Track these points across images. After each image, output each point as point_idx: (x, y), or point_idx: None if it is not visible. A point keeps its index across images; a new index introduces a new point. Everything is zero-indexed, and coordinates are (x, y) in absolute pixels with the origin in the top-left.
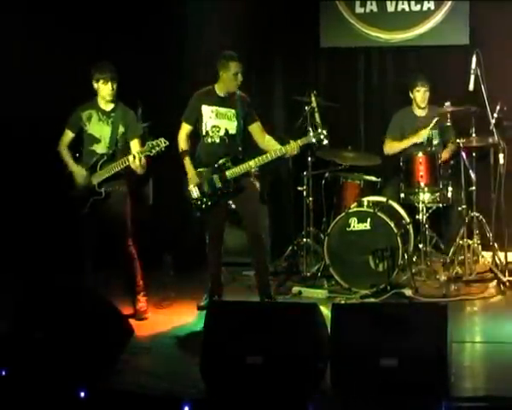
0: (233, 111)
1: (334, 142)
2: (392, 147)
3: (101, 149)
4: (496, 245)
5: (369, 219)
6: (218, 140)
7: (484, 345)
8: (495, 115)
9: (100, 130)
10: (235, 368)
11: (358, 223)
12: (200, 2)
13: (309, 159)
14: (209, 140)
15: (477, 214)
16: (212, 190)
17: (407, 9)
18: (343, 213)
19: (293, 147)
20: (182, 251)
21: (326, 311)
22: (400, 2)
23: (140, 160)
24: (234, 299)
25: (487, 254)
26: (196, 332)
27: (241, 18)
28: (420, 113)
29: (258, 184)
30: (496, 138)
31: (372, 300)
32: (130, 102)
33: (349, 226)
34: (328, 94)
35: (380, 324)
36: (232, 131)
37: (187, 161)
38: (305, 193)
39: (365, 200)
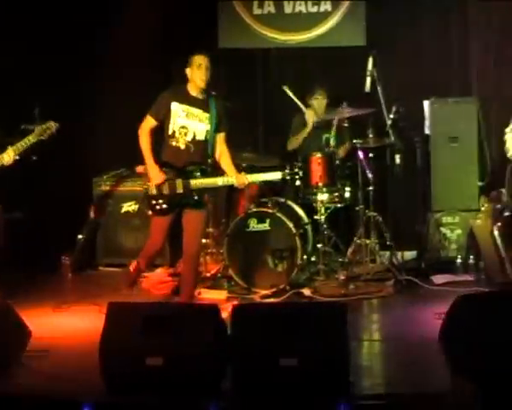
0: (206, 114)
1: (233, 143)
2: (290, 143)
3: None
4: (393, 244)
5: (268, 220)
6: (182, 146)
7: (382, 343)
8: (391, 116)
9: None
10: (135, 370)
11: (258, 223)
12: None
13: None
14: (173, 143)
15: (374, 214)
16: (171, 194)
17: (304, 11)
18: (242, 214)
19: (244, 180)
20: (79, 254)
21: (226, 311)
22: (298, 4)
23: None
24: (133, 300)
25: (385, 254)
26: (96, 334)
27: (140, 18)
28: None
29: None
30: (392, 139)
31: (272, 300)
32: (30, 102)
33: (248, 227)
34: (227, 95)
35: (279, 324)
36: (200, 136)
37: (150, 159)
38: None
39: (264, 200)
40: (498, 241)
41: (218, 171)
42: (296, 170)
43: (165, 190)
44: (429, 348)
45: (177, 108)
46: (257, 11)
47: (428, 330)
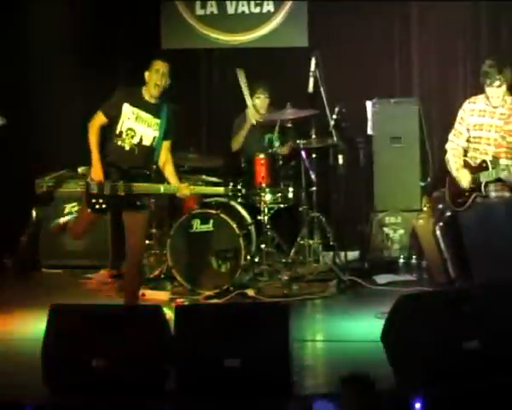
0: (156, 120)
1: (176, 144)
2: (233, 143)
3: None
4: (336, 245)
5: (211, 221)
6: (127, 147)
7: (325, 343)
8: (334, 117)
9: None
10: (79, 372)
11: (201, 224)
12: (40, 4)
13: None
14: (119, 143)
15: (317, 214)
16: (112, 196)
17: (247, 11)
18: (186, 215)
19: (187, 191)
20: (22, 255)
21: (170, 313)
22: (240, 4)
23: None
24: (76, 302)
25: (328, 254)
26: (39, 336)
27: (83, 19)
28: (259, 117)
29: (152, 207)
30: (335, 139)
31: (215, 301)
32: None
33: (192, 228)
34: (170, 96)
35: (223, 324)
36: (146, 141)
37: (96, 154)
38: None
39: (208, 201)
40: (440, 241)
41: (161, 177)
42: (239, 187)
43: (107, 191)
44: (372, 347)
45: (128, 109)
46: (199, 12)
47: (370, 330)
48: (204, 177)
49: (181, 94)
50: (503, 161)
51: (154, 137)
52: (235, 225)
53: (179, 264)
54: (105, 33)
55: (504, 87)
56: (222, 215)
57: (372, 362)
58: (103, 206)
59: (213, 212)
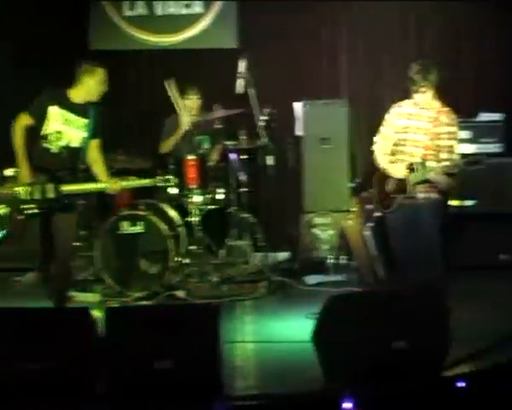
0: (84, 121)
1: (105, 145)
2: (163, 146)
3: None
4: (266, 246)
5: (140, 222)
6: (55, 149)
7: (255, 344)
8: (263, 118)
9: None
10: (8, 375)
11: (130, 226)
12: None
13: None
14: (46, 145)
15: (247, 216)
16: (42, 199)
17: (176, 13)
18: (115, 216)
19: (117, 186)
20: None
21: (99, 315)
22: (169, 6)
23: None
24: (3, 305)
25: (257, 255)
26: None
27: (13, 19)
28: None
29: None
30: (264, 141)
31: (145, 302)
32: None
33: (121, 229)
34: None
35: (153, 326)
36: (75, 143)
37: (22, 157)
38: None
39: (137, 203)
40: (369, 241)
41: (90, 176)
42: (168, 177)
43: (36, 195)
44: (302, 348)
45: (55, 111)
46: (128, 13)
47: (300, 331)
48: (131, 178)
49: (109, 95)
50: (430, 163)
51: (83, 138)
52: (164, 227)
53: (108, 266)
54: (34, 34)
55: (430, 93)
56: (151, 217)
57: (302, 363)
58: (35, 210)
59: (142, 213)
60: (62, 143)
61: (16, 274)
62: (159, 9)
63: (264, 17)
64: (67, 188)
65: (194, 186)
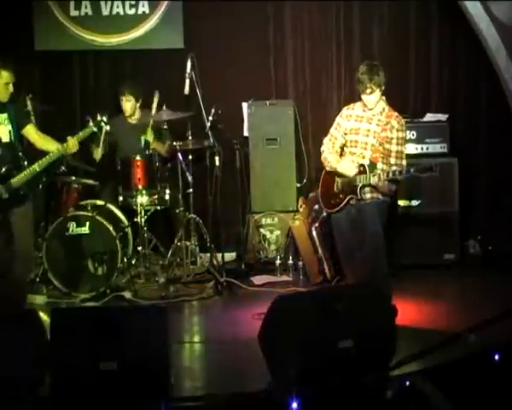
0: (3, 115)
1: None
2: (95, 153)
3: None
4: (213, 246)
5: (87, 223)
6: None
7: (203, 344)
8: (210, 118)
9: None
10: None
11: (77, 227)
12: None
13: (20, 155)
14: None
15: (194, 216)
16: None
17: (122, 13)
18: (61, 218)
19: (71, 144)
20: None
21: (45, 317)
22: (115, 6)
23: None
24: None
25: (205, 256)
26: None
27: None
28: (132, 120)
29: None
30: (211, 141)
31: (92, 303)
32: None
33: (68, 230)
34: (44, 97)
35: (99, 327)
36: (5, 138)
37: None
38: None
39: (83, 203)
40: (316, 241)
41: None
42: (99, 118)
43: None
44: (249, 348)
45: None
46: (74, 13)
47: (248, 331)
48: (75, 178)
49: (55, 96)
50: (379, 166)
51: (9, 131)
52: (111, 228)
53: (55, 267)
54: None
55: (377, 94)
56: (98, 217)
57: (250, 362)
58: None
59: (89, 214)
60: None
61: None
62: (105, 9)
63: (211, 17)
64: (16, 180)
65: (141, 187)
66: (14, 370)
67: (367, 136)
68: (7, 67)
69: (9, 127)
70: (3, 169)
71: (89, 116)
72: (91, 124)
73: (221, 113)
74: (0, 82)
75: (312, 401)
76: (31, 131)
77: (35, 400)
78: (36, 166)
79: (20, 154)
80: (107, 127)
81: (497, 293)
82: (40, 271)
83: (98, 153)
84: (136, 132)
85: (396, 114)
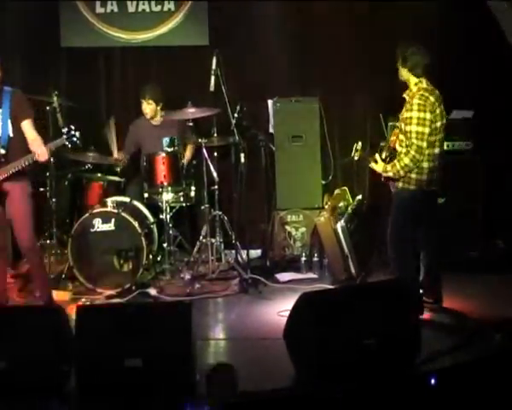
0: None
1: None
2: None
3: None
4: (238, 243)
5: (113, 220)
6: None
7: (227, 342)
8: (236, 115)
9: None
10: None
11: (102, 223)
12: None
13: (51, 159)
14: None
15: (219, 213)
16: None
17: (148, 10)
18: (87, 214)
19: (41, 153)
20: None
21: (71, 312)
22: (141, 3)
23: None
24: None
25: (230, 253)
26: None
27: None
28: (155, 122)
29: (29, 189)
30: (237, 138)
31: (117, 300)
32: None
33: (93, 227)
34: (70, 94)
35: (124, 324)
36: None
37: None
38: (48, 194)
39: (109, 200)
40: (341, 238)
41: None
42: (72, 132)
43: None
44: (274, 345)
45: None
46: (100, 10)
47: (273, 328)
48: (100, 175)
49: (81, 93)
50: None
51: (1, 126)
52: (136, 224)
53: (81, 263)
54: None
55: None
56: (123, 214)
57: (274, 359)
58: None
59: (115, 211)
60: None
61: None
62: (131, 7)
63: (236, 14)
64: None
65: (166, 183)
66: (40, 366)
67: None
68: None
69: (0, 121)
70: None
71: (67, 127)
72: (64, 136)
73: (246, 110)
74: None
75: (337, 399)
76: (28, 128)
77: (61, 396)
78: (9, 167)
79: (2, 151)
80: (78, 142)
81: None
82: (66, 267)
83: (116, 153)
84: (160, 134)
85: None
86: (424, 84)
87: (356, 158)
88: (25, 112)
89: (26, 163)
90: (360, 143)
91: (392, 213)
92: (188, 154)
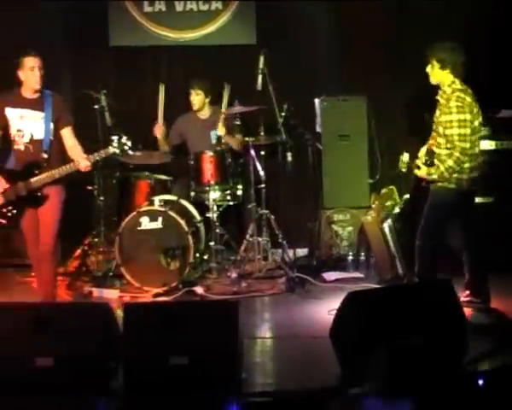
0: (41, 114)
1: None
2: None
3: None
4: (284, 242)
5: (160, 218)
6: (22, 147)
7: (274, 340)
8: (282, 114)
9: None
10: (23, 371)
11: (150, 222)
12: None
13: (44, 156)
14: (15, 146)
15: (266, 212)
16: (17, 199)
17: (195, 9)
18: (134, 213)
19: (83, 165)
20: None
21: (118, 310)
22: (189, 2)
23: None
24: (21, 300)
25: (276, 251)
26: None
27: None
28: (202, 115)
29: (63, 194)
30: (283, 137)
31: (164, 298)
32: None
33: (140, 225)
34: (118, 93)
35: (171, 322)
36: (38, 136)
37: None
38: (95, 192)
39: (156, 199)
40: (388, 237)
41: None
42: (123, 141)
43: (11, 196)
44: (320, 344)
45: (11, 112)
46: (147, 9)
47: (320, 327)
48: (148, 174)
49: (129, 92)
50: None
51: (43, 130)
52: (183, 223)
53: (128, 262)
54: (51, 32)
55: None
56: (170, 213)
57: (321, 358)
58: (14, 211)
59: (162, 209)
60: (25, 139)
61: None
62: (178, 6)
63: (284, 14)
64: (36, 181)
65: (213, 182)
66: (88, 363)
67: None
68: (28, 53)
69: (43, 126)
70: (26, 169)
71: (115, 136)
72: (115, 144)
73: (293, 109)
74: (24, 70)
75: (381, 398)
76: (66, 134)
77: (108, 393)
78: (55, 173)
79: (45, 155)
80: (130, 151)
81: None
82: (113, 265)
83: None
84: (207, 128)
85: None
86: (458, 84)
87: (404, 170)
88: (66, 118)
89: (69, 171)
90: (407, 155)
91: (428, 210)
92: (234, 143)
